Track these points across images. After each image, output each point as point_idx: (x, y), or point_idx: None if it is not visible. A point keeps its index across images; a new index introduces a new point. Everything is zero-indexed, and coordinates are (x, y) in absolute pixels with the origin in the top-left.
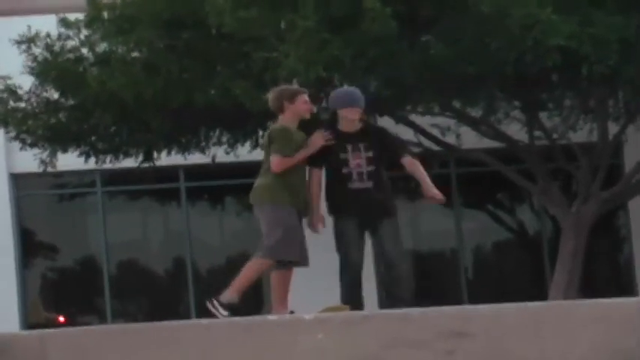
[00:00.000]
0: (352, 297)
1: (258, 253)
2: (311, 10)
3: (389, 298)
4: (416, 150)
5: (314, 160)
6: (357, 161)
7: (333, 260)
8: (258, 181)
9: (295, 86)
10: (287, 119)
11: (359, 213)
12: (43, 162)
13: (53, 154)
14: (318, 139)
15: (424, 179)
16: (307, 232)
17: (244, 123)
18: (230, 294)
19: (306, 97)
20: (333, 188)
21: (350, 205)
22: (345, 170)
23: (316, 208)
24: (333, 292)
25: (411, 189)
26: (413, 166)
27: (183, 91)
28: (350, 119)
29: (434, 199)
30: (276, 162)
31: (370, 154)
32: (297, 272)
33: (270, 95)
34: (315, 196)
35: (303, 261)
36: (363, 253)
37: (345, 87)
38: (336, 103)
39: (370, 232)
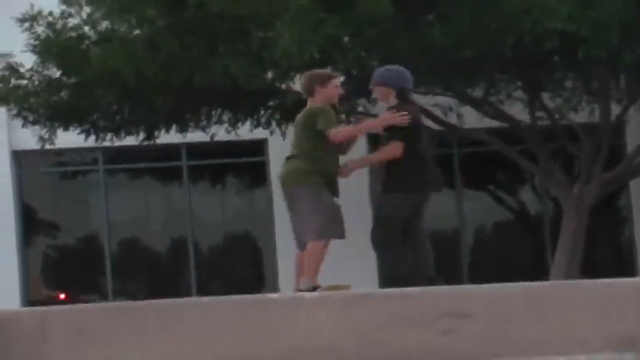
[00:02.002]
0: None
1: (307, 237)
2: None
3: None
4: None
5: None
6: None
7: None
8: (292, 165)
9: (327, 70)
10: (317, 103)
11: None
12: (42, 139)
13: (53, 132)
14: (393, 118)
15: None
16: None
17: (245, 102)
18: (307, 280)
19: (337, 81)
20: None
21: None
22: None
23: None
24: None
25: None
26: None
27: (184, 70)
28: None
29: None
30: (336, 134)
31: (384, 132)
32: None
33: (302, 78)
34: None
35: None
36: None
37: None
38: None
39: None
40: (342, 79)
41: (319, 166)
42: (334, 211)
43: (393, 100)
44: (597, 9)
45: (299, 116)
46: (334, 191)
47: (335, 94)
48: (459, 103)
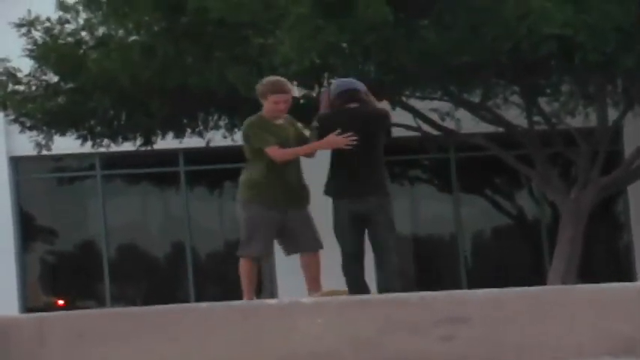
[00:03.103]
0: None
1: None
2: None
3: None
4: (414, 134)
5: None
6: None
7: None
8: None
9: (280, 81)
10: (263, 112)
11: None
12: (38, 144)
13: (49, 137)
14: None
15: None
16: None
17: (241, 107)
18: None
19: (279, 97)
20: None
21: None
22: None
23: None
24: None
25: (410, 174)
26: None
27: (180, 75)
28: None
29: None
30: (275, 153)
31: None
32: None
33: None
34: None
35: (266, 257)
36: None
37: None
38: None
39: None
40: (290, 94)
41: (259, 177)
42: (253, 226)
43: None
44: (594, 14)
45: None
46: (289, 201)
47: (272, 110)
48: (455, 108)
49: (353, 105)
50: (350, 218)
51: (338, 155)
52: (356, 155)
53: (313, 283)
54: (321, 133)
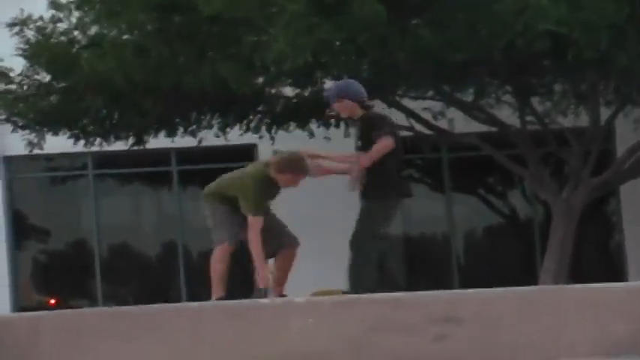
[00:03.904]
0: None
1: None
2: None
3: None
4: (407, 134)
5: None
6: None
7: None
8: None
9: (306, 162)
10: (282, 181)
11: None
12: (30, 143)
13: (41, 137)
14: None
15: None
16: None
17: (234, 107)
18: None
19: (302, 178)
20: None
21: None
22: None
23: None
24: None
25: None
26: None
27: (173, 75)
28: (339, 111)
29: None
30: (253, 223)
31: (360, 143)
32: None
33: (285, 155)
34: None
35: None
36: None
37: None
38: None
39: None
40: (302, 179)
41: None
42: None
43: (359, 112)
44: (588, 11)
45: (249, 170)
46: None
47: (288, 184)
48: (448, 107)
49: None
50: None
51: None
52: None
53: (284, 280)
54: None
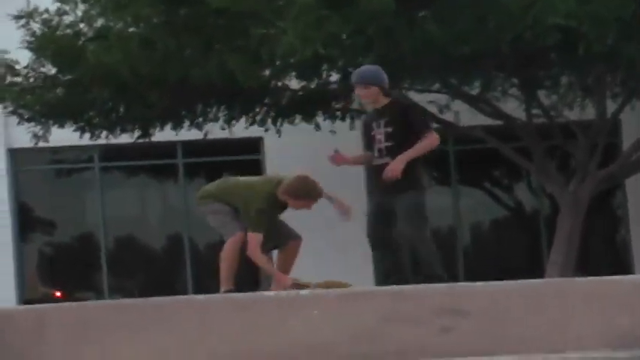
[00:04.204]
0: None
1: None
2: None
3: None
4: None
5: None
6: (378, 137)
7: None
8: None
9: (318, 189)
10: (293, 205)
11: (379, 190)
12: (35, 136)
13: (46, 129)
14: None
15: (408, 151)
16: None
17: (240, 99)
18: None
19: (313, 203)
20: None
21: (372, 182)
22: (374, 147)
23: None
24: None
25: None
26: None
27: (179, 67)
28: (362, 97)
29: (385, 173)
30: (251, 242)
31: (389, 129)
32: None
33: (303, 180)
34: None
35: None
36: (385, 229)
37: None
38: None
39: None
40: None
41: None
42: None
43: (382, 99)
44: (596, 4)
45: (258, 186)
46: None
47: (299, 208)
48: (454, 100)
49: None
50: None
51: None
52: None
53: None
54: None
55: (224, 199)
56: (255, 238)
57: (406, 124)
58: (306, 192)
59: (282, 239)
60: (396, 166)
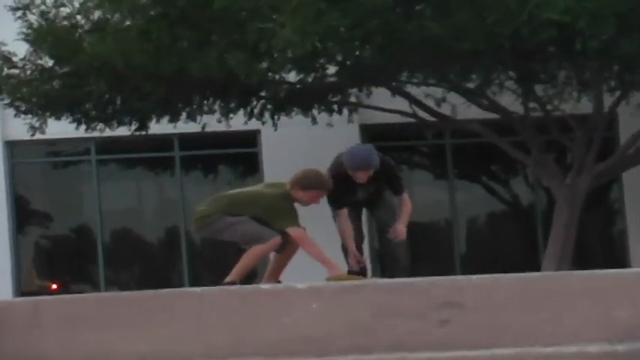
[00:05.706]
0: None
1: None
2: None
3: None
4: (411, 121)
5: (336, 202)
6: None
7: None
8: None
9: (327, 180)
10: (305, 198)
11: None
12: (32, 128)
13: (43, 121)
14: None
15: (403, 217)
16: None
17: (237, 92)
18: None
19: (324, 194)
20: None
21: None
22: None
23: (351, 247)
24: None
25: (405, 161)
26: (403, 203)
27: (175, 60)
28: (360, 178)
29: (394, 234)
30: (298, 235)
31: (372, 189)
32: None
33: (309, 173)
34: (348, 236)
35: None
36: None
37: (357, 148)
38: (349, 166)
39: None
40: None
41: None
42: None
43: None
44: (594, 1)
45: (270, 191)
46: None
47: (310, 202)
48: (452, 94)
49: None
50: None
51: None
52: None
53: (278, 273)
54: None
55: (233, 212)
56: (302, 232)
57: (387, 182)
58: (317, 182)
59: (284, 240)
60: (402, 230)
